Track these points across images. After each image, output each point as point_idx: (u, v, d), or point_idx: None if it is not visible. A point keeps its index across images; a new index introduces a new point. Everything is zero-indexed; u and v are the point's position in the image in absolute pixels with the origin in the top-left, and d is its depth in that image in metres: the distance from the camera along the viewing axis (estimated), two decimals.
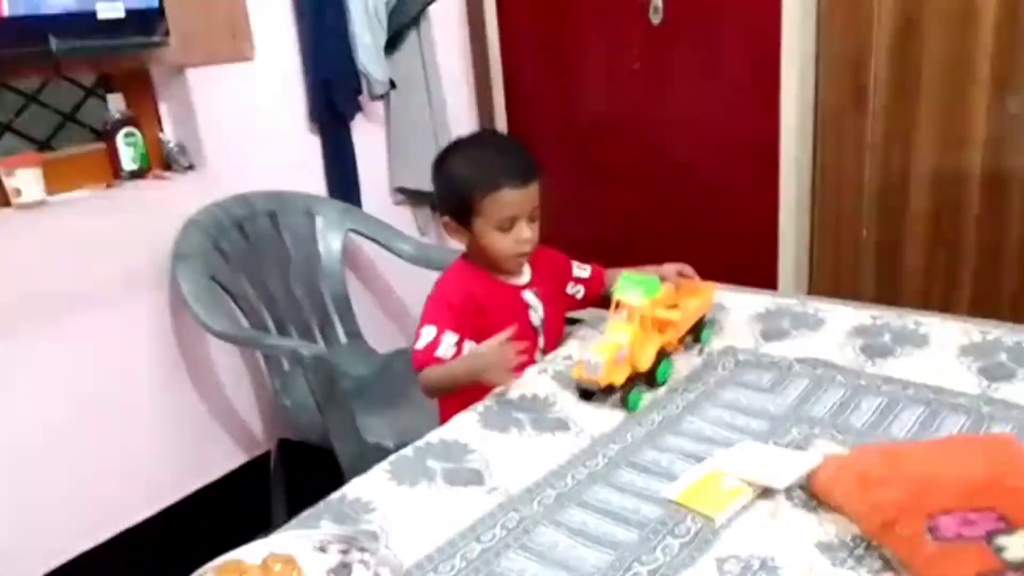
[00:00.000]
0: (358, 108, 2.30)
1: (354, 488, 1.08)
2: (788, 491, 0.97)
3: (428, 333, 1.34)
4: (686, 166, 2.34)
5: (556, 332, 1.52)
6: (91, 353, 1.84)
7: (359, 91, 2.26)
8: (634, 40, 2.29)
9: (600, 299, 1.55)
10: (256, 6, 2.06)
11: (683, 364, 1.33)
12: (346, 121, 2.28)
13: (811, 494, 0.96)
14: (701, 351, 1.37)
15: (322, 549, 0.92)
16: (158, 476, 2.01)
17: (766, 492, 0.97)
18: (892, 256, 2.15)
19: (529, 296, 1.46)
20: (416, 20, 2.34)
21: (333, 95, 2.20)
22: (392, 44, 2.33)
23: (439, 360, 1.33)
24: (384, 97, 2.36)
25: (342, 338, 2.12)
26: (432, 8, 2.37)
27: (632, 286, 1.23)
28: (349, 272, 2.25)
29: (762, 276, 2.18)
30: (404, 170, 2.45)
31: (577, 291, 1.56)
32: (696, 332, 1.38)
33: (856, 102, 2.10)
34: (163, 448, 2.01)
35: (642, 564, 0.88)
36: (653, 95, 2.32)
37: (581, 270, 1.56)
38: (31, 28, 1.59)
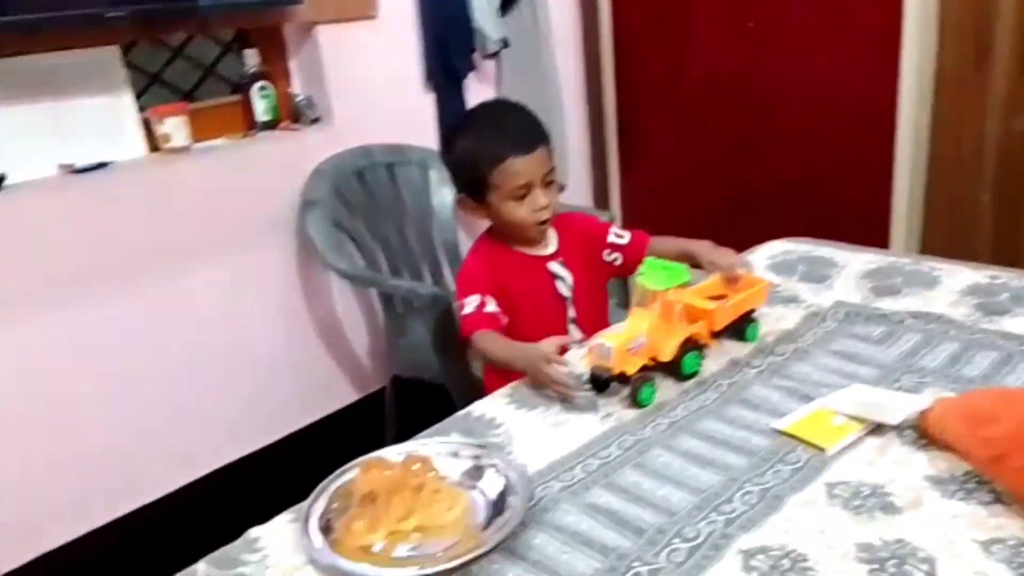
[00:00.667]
0: (472, 66, 2.38)
1: (479, 407, 1.17)
2: (899, 430, 1.00)
3: (472, 300, 1.37)
4: (798, 126, 2.32)
5: (593, 301, 1.49)
6: (225, 289, 2.01)
7: (473, 49, 2.34)
8: None
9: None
10: None
11: (786, 318, 1.36)
12: (460, 79, 2.37)
13: (922, 433, 0.99)
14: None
15: (455, 455, 1.02)
16: (278, 407, 2.17)
17: (876, 430, 1.01)
18: (1011, 219, 2.09)
19: (555, 267, 1.44)
20: None
21: (449, 53, 2.28)
22: (506, 4, 2.39)
23: (491, 317, 1.35)
24: (496, 56, 2.42)
25: (450, 284, 2.23)
26: None
27: (656, 271, 1.15)
28: (459, 223, 2.34)
29: (872, 236, 2.16)
30: None
31: (615, 258, 1.49)
32: (741, 329, 1.28)
33: (978, 64, 2.04)
34: (285, 380, 2.17)
35: (754, 485, 0.94)
36: (767, 55, 2.30)
37: (619, 237, 1.49)
38: None
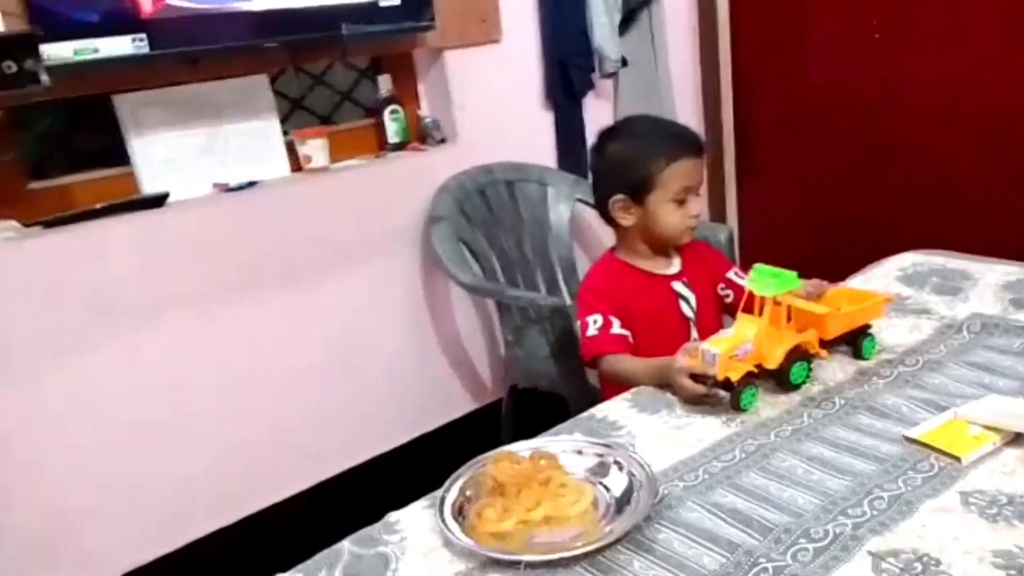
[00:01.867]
0: (590, 86, 2.44)
1: (601, 410, 1.21)
2: None
3: (595, 320, 1.38)
4: (929, 135, 2.24)
5: (713, 324, 1.48)
6: (356, 298, 2.12)
7: (592, 69, 2.40)
8: (874, 9, 2.23)
9: None
10: None
11: (918, 329, 1.33)
12: (578, 98, 2.43)
13: None
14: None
15: (579, 452, 1.06)
16: (399, 414, 2.26)
17: (1015, 440, 0.98)
18: None
19: (679, 286, 1.46)
20: (648, 1, 2.44)
21: (569, 73, 2.35)
22: (624, 24, 2.44)
23: (619, 339, 1.37)
24: (614, 75, 2.47)
25: (567, 298, 2.27)
26: None
27: (766, 277, 1.14)
28: (575, 238, 2.39)
29: (1013, 249, 2.05)
30: None
31: (727, 294, 1.51)
32: (857, 343, 1.24)
33: None
34: (407, 388, 2.27)
35: (883, 491, 0.93)
36: (896, 66, 2.24)
37: (738, 276, 1.50)
38: (326, 16, 1.87)
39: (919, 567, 0.80)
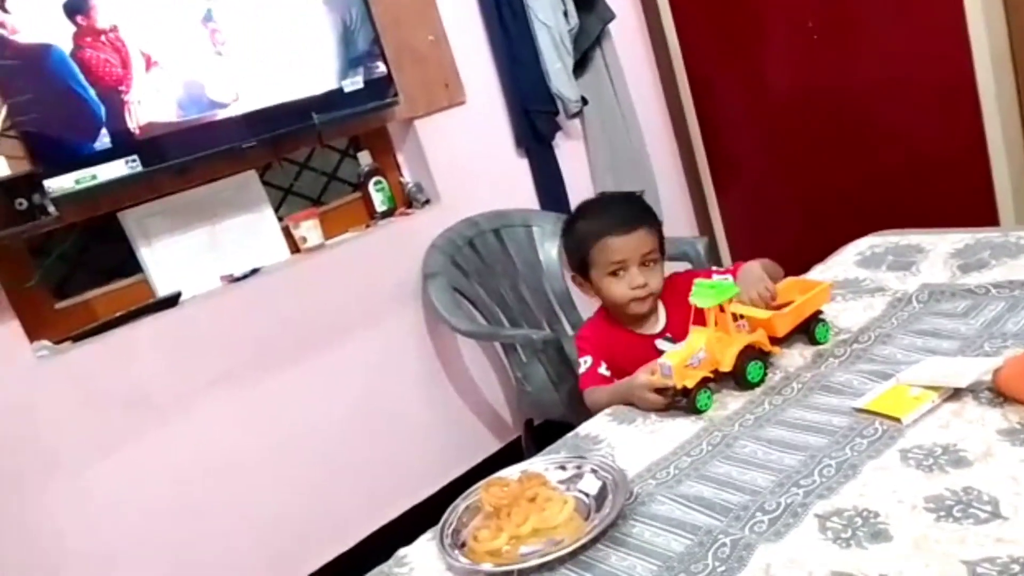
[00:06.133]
0: (557, 128, 2.58)
1: (584, 428, 1.32)
2: (975, 392, 1.05)
3: (586, 361, 1.52)
4: (882, 123, 2.33)
5: None
6: (367, 360, 2.24)
7: (556, 113, 2.54)
8: (809, 13, 2.35)
9: None
10: (460, 56, 2.42)
11: (872, 307, 1.41)
12: (548, 141, 2.57)
13: (997, 392, 1.03)
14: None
15: (562, 467, 1.16)
16: (428, 463, 2.35)
17: (954, 396, 1.06)
18: None
19: (663, 344, 1.51)
20: (599, 40, 2.58)
21: (534, 120, 2.49)
22: (580, 65, 2.58)
23: (601, 377, 1.50)
24: (579, 114, 2.61)
25: (568, 330, 2.38)
26: (612, 25, 2.59)
27: (705, 290, 1.26)
28: (567, 271, 2.50)
29: (981, 216, 2.13)
30: (605, 176, 2.68)
31: None
32: (811, 331, 1.33)
33: None
34: (431, 437, 2.36)
35: (832, 459, 1.02)
36: (836, 59, 2.35)
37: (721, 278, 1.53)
38: (298, 109, 2.03)
39: (859, 522, 0.89)
